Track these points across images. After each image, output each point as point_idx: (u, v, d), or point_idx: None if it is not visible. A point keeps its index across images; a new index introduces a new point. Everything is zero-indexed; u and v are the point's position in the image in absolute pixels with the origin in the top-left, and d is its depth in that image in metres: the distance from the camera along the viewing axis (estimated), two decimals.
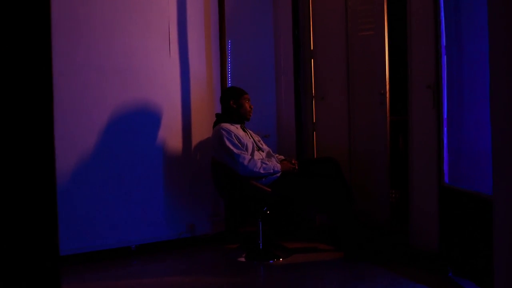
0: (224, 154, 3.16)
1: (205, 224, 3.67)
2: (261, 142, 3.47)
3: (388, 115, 3.38)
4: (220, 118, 3.37)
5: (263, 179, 3.15)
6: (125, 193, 3.38)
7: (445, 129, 2.80)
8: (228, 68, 3.95)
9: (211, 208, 3.72)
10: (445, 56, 2.79)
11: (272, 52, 4.19)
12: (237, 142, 3.17)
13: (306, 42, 3.99)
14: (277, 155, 3.50)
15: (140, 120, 3.42)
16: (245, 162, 3.10)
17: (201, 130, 3.64)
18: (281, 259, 3.21)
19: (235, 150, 3.13)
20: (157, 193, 3.49)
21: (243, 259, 3.27)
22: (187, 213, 3.59)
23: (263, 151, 3.35)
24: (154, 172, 3.48)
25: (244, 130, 3.36)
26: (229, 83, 3.90)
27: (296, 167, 3.27)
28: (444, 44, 2.79)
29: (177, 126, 3.57)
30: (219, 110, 3.53)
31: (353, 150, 3.68)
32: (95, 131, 3.29)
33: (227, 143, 3.15)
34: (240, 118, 3.36)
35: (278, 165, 3.21)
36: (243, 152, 3.15)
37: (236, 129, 3.28)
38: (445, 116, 2.81)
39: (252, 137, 3.36)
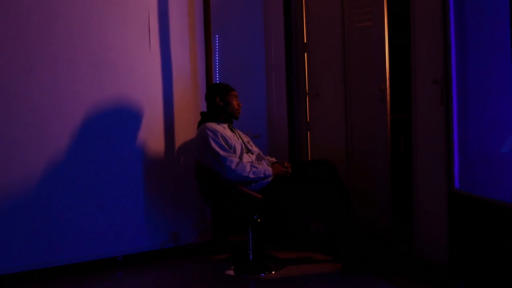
0: (210, 156, 2.86)
1: (191, 232, 3.38)
2: (251, 143, 3.19)
3: (388, 112, 3.14)
4: (205, 117, 3.08)
5: (253, 184, 2.86)
6: (101, 200, 3.10)
7: (455, 128, 2.53)
8: (216, 64, 3.73)
9: (197, 215, 3.43)
10: (455, 47, 2.51)
11: (262, 46, 3.93)
12: (223, 143, 2.88)
13: (298, 35, 3.72)
14: (268, 157, 3.23)
15: (118, 120, 3.14)
16: (233, 166, 2.81)
17: (185, 130, 3.36)
18: (273, 272, 2.93)
19: (221, 152, 2.83)
20: (137, 199, 3.21)
21: (231, 272, 2.98)
22: (171, 221, 3.32)
23: (252, 153, 3.07)
24: (134, 177, 3.20)
25: (232, 130, 3.08)
26: (216, 80, 3.65)
27: (289, 171, 3.00)
28: (453, 33, 2.50)
29: (159, 126, 3.29)
30: (204, 108, 3.24)
31: (350, 151, 3.43)
32: (67, 132, 3.00)
33: (213, 144, 2.86)
34: (228, 116, 3.07)
35: (270, 168, 2.93)
36: (231, 155, 2.86)
37: (223, 129, 2.99)
38: (455, 113, 2.53)
39: (240, 138, 3.08)
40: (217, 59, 3.76)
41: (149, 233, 3.24)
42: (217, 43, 3.77)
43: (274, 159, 3.23)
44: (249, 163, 2.87)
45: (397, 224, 3.24)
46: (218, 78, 3.71)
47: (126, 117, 3.16)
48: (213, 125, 2.96)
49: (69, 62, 3.00)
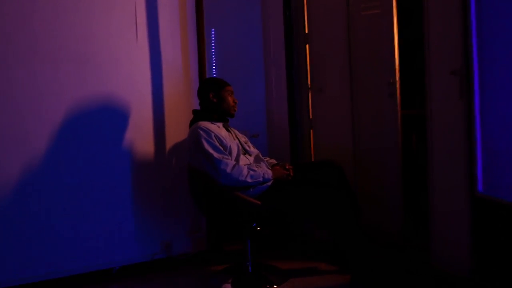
0: (202, 159, 2.59)
1: (184, 242, 3.13)
2: (249, 143, 2.93)
3: (398, 108, 2.92)
4: (198, 115, 2.82)
5: (251, 189, 2.59)
6: (85, 209, 2.84)
7: (478, 124, 2.25)
8: (212, 59, 3.56)
9: (190, 223, 3.17)
10: (476, 32, 2.23)
11: (260, 38, 3.70)
12: (218, 144, 2.61)
13: (299, 24, 3.50)
14: (267, 159, 2.96)
15: (102, 119, 2.89)
16: (228, 169, 2.53)
17: (177, 130, 3.10)
18: (275, 286, 2.67)
19: (215, 154, 2.56)
20: (124, 206, 2.96)
21: (229, 286, 2.72)
22: (162, 229, 3.07)
23: (250, 155, 2.80)
24: (121, 181, 2.95)
25: (227, 130, 2.81)
26: (213, 76, 3.46)
27: (291, 174, 2.73)
28: (474, 15, 2.22)
29: (148, 125, 3.04)
30: (197, 106, 2.98)
31: (357, 151, 3.20)
32: (45, 133, 2.75)
33: (206, 145, 2.58)
34: (222, 114, 2.81)
35: (269, 171, 2.66)
36: (226, 157, 2.58)
37: (217, 128, 2.72)
38: (477, 108, 2.26)
39: (237, 138, 2.82)
40: (213, 54, 3.59)
41: (138, 243, 3.00)
42: (213, 37, 3.60)
43: (274, 161, 2.96)
44: (246, 166, 2.61)
45: (409, 230, 3.00)
46: (215, 73, 3.54)
47: (111, 116, 2.92)
48: (206, 124, 2.69)
49: (48, 57, 2.75)
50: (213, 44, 3.58)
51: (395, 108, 2.91)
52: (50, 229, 2.75)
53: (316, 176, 2.78)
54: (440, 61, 2.48)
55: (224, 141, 2.66)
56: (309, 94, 3.48)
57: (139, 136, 2.99)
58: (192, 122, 2.81)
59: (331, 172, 2.78)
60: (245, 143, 2.89)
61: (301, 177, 2.77)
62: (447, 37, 2.42)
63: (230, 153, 2.65)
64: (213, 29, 3.56)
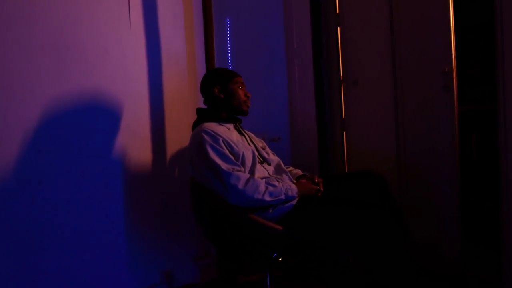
0: (207, 171, 2.05)
1: (189, 270, 2.70)
2: (267, 149, 2.41)
3: (456, 103, 2.49)
4: (202, 116, 2.30)
5: (270, 210, 2.04)
6: (66, 232, 2.38)
7: None
8: (228, 51, 3.23)
9: (197, 247, 2.72)
10: None
11: (281, 22, 3.26)
12: (227, 152, 2.07)
13: (329, 3, 3.09)
14: (290, 169, 2.45)
15: (87, 123, 2.46)
16: (240, 185, 1.99)
17: (180, 134, 2.68)
18: None
19: (223, 166, 2.02)
20: (115, 227, 2.53)
21: None
22: (162, 255, 2.66)
23: (269, 164, 2.27)
24: (110, 197, 2.51)
25: (240, 132, 2.29)
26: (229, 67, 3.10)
27: (321, 189, 2.19)
28: None
29: (144, 128, 2.62)
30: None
31: (403, 156, 2.75)
32: (13, 140, 2.29)
33: (212, 154, 2.04)
34: (232, 112, 2.29)
35: (294, 186, 2.11)
36: (237, 168, 2.04)
37: (226, 130, 2.20)
38: None
39: (252, 143, 2.29)
40: (229, 45, 3.24)
41: (133, 272, 2.56)
42: (228, 26, 3.26)
43: (299, 172, 2.44)
44: (263, 180, 2.06)
45: (471, 256, 2.58)
46: (230, 66, 3.20)
47: (98, 118, 2.48)
48: (212, 126, 2.15)
49: (20, 45, 2.31)
50: (228, 35, 3.23)
51: (451, 103, 2.48)
52: (23, 258, 2.30)
53: (353, 192, 2.24)
54: None
55: (235, 147, 2.12)
56: (342, 89, 3.10)
57: (134, 142, 2.58)
58: (196, 124, 2.29)
59: (372, 186, 2.25)
60: (263, 149, 2.37)
61: (334, 193, 2.23)
62: None
63: (243, 163, 2.11)
64: (227, 18, 3.22)
